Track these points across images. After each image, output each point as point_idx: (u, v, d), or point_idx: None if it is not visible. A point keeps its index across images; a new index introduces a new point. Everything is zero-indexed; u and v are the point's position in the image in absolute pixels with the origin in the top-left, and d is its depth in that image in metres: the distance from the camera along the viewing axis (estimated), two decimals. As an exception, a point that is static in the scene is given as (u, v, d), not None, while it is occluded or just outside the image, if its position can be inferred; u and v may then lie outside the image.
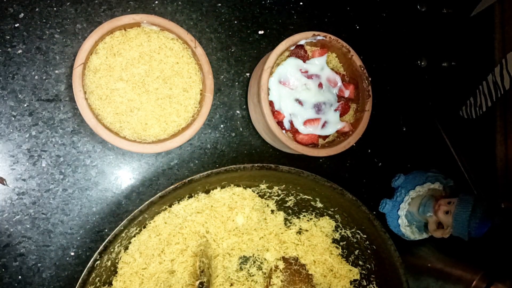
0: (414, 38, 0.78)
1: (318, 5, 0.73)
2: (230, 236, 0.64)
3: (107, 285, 0.58)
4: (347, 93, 0.65)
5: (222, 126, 0.68)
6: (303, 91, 0.62)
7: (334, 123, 0.64)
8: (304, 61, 0.64)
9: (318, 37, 0.63)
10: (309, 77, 0.63)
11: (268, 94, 0.61)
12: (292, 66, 0.62)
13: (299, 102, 0.62)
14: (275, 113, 0.62)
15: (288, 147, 0.61)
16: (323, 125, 0.63)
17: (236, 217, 0.64)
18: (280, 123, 0.62)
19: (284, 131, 0.62)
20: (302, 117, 0.62)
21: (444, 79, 0.79)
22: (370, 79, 0.65)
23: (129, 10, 0.65)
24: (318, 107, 0.62)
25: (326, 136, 0.65)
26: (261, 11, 0.71)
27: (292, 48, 0.63)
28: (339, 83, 0.65)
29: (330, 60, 0.66)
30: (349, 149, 0.64)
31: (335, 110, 0.64)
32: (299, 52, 0.63)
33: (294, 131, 0.63)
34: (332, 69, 0.65)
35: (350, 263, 0.68)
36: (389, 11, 0.77)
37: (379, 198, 0.72)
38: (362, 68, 0.64)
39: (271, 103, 0.62)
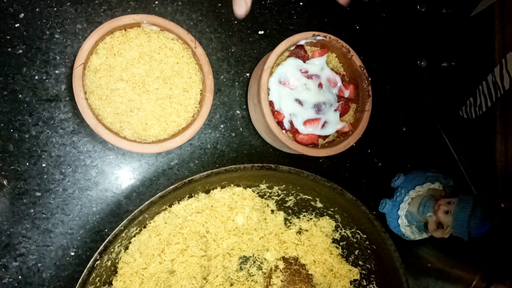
0: (414, 38, 0.78)
1: (318, 5, 0.73)
2: (230, 236, 0.64)
3: (107, 285, 0.58)
4: (347, 93, 0.65)
5: (222, 126, 0.68)
6: (303, 91, 0.62)
7: (334, 123, 0.64)
8: (304, 61, 0.64)
9: (318, 37, 0.63)
10: (309, 77, 0.63)
11: (268, 94, 0.61)
12: (292, 66, 0.62)
13: (299, 102, 0.62)
14: (275, 113, 0.62)
15: (288, 147, 0.61)
16: (323, 125, 0.63)
17: (236, 217, 0.64)
18: (280, 123, 0.62)
19: (284, 131, 0.62)
20: (302, 117, 0.62)
21: (444, 79, 0.79)
22: (370, 79, 0.65)
23: (129, 10, 0.65)
24: (318, 107, 0.62)
25: (326, 136, 0.65)
26: (261, 11, 0.71)
27: (292, 48, 0.63)
28: (339, 83, 0.65)
29: (330, 60, 0.66)
30: (349, 149, 0.64)
31: (335, 110, 0.64)
32: (299, 52, 0.64)
33: (294, 131, 0.63)
34: (332, 69, 0.65)
35: (350, 263, 0.68)
36: (389, 11, 0.77)
37: (379, 198, 0.72)
38: (362, 68, 0.64)
39: (271, 103, 0.62)
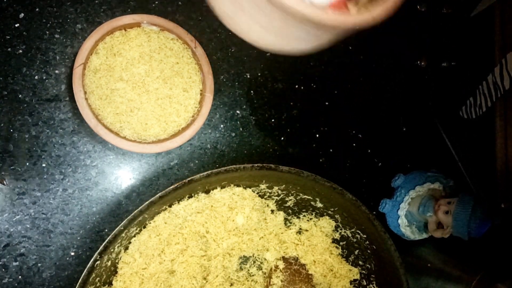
0: (414, 38, 0.78)
1: (318, 5, 0.73)
2: (230, 236, 0.64)
3: (107, 285, 0.58)
4: None
5: (222, 126, 0.68)
6: None
7: None
8: None
9: None
10: None
11: None
12: None
13: None
14: None
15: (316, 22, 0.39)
16: None
17: (236, 217, 0.64)
18: None
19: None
20: None
21: (444, 79, 0.79)
22: None
23: (129, 10, 0.65)
24: None
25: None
26: (261, 11, 0.71)
27: None
28: None
29: None
30: (349, 149, 0.64)
31: None
32: None
33: None
34: None
35: (350, 263, 0.68)
36: (389, 11, 0.77)
37: (379, 198, 0.72)
38: None
39: None
